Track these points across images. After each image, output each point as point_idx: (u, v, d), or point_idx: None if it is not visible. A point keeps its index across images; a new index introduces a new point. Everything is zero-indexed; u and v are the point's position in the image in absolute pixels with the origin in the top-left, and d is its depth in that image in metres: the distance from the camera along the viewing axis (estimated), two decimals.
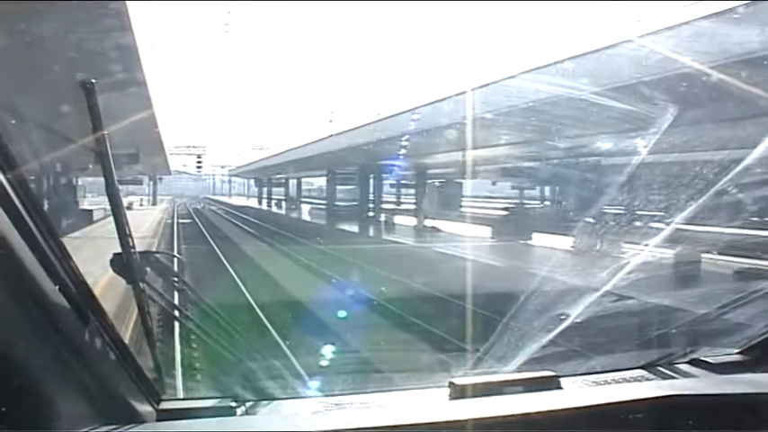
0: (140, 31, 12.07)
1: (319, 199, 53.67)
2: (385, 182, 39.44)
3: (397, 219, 36.57)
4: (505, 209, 33.51)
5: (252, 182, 71.47)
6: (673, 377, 2.69)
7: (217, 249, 23.65)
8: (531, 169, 29.04)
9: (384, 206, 40.38)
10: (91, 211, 30.41)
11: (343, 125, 40.20)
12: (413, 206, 37.22)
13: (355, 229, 33.98)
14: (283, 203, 57.10)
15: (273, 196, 61.87)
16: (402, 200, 45.10)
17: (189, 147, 58.12)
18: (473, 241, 24.58)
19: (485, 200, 44.53)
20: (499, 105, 17.86)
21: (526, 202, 36.11)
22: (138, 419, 1.99)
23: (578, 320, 3.23)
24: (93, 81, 1.99)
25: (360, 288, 13.79)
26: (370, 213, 38.06)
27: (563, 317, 3.27)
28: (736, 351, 2.84)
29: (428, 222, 32.66)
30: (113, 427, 1.88)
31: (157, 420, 2.07)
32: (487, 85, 18.69)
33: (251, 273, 17.48)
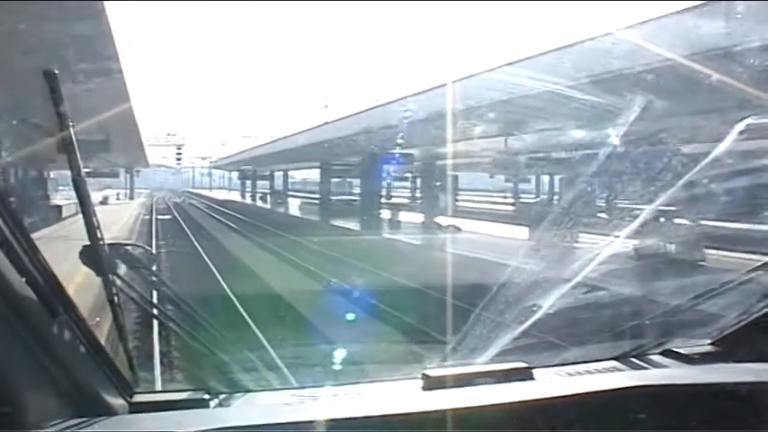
0: (114, 14, 11.75)
1: (309, 192, 50.60)
2: (383, 174, 34.98)
3: (403, 215, 33.37)
4: (516, 203, 31.34)
5: (234, 174, 68.34)
6: (645, 368, 2.72)
7: (201, 251, 21.34)
8: (542, 160, 27.12)
9: (384, 201, 36.16)
10: (60, 207, 28.17)
11: (339, 112, 37.06)
12: (413, 201, 34.75)
13: (362, 227, 30.30)
14: (269, 197, 54.23)
15: (258, 189, 58.76)
16: (401, 194, 41.15)
17: (168, 135, 55.46)
18: (516, 243, 20.55)
19: (486, 194, 42.11)
20: (502, 93, 17.09)
21: (523, 195, 34.33)
22: (110, 412, 1.98)
23: (550, 311, 3.24)
24: (56, 71, 1.98)
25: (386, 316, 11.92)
26: (372, 209, 33.62)
27: (534, 308, 3.28)
28: (708, 342, 2.88)
29: (440, 219, 28.44)
30: (84, 420, 1.87)
31: (130, 413, 2.06)
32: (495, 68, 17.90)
33: (245, 281, 15.10)
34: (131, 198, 51.91)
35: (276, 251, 21.95)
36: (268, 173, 56.01)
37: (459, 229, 26.00)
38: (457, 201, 33.18)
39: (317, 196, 42.62)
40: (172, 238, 26.99)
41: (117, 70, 14.44)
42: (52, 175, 34.78)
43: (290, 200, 51.29)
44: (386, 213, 34.02)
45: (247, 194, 61.40)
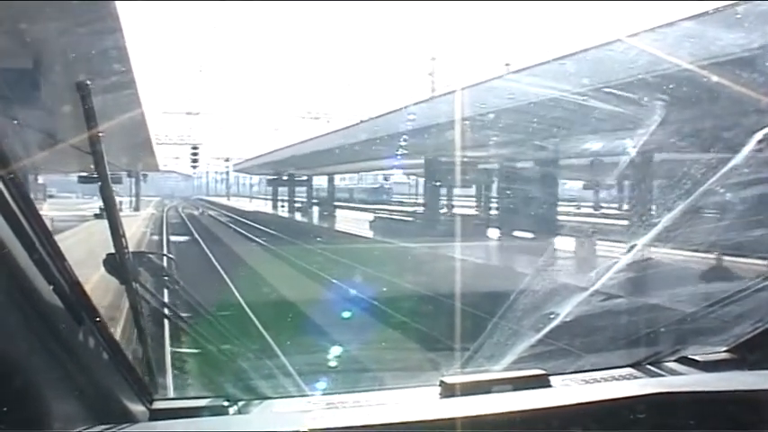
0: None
1: (383, 204, 40.85)
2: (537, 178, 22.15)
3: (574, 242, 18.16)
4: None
5: (261, 179, 59.12)
6: (661, 375, 2.73)
7: (245, 305, 11.44)
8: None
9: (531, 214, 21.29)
10: None
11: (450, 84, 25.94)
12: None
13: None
14: (313, 210, 42.15)
15: (296, 197, 46.90)
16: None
17: (189, 114, 43.90)
18: None
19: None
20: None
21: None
22: (132, 419, 2.01)
23: (567, 319, 3.25)
24: (89, 83, 2.01)
25: None
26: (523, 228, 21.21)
27: (552, 315, 3.29)
28: (724, 349, 2.88)
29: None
30: (107, 426, 1.90)
31: (150, 420, 2.08)
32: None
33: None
34: (136, 209, 41.34)
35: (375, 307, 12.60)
36: (305, 178, 45.12)
37: None
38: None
39: (424, 209, 30.51)
40: (195, 280, 10.55)
41: (119, 45, 12.07)
42: (40, 180, 29.98)
43: (352, 213, 39.43)
44: (564, 241, 18.86)
45: (279, 204, 50.41)
